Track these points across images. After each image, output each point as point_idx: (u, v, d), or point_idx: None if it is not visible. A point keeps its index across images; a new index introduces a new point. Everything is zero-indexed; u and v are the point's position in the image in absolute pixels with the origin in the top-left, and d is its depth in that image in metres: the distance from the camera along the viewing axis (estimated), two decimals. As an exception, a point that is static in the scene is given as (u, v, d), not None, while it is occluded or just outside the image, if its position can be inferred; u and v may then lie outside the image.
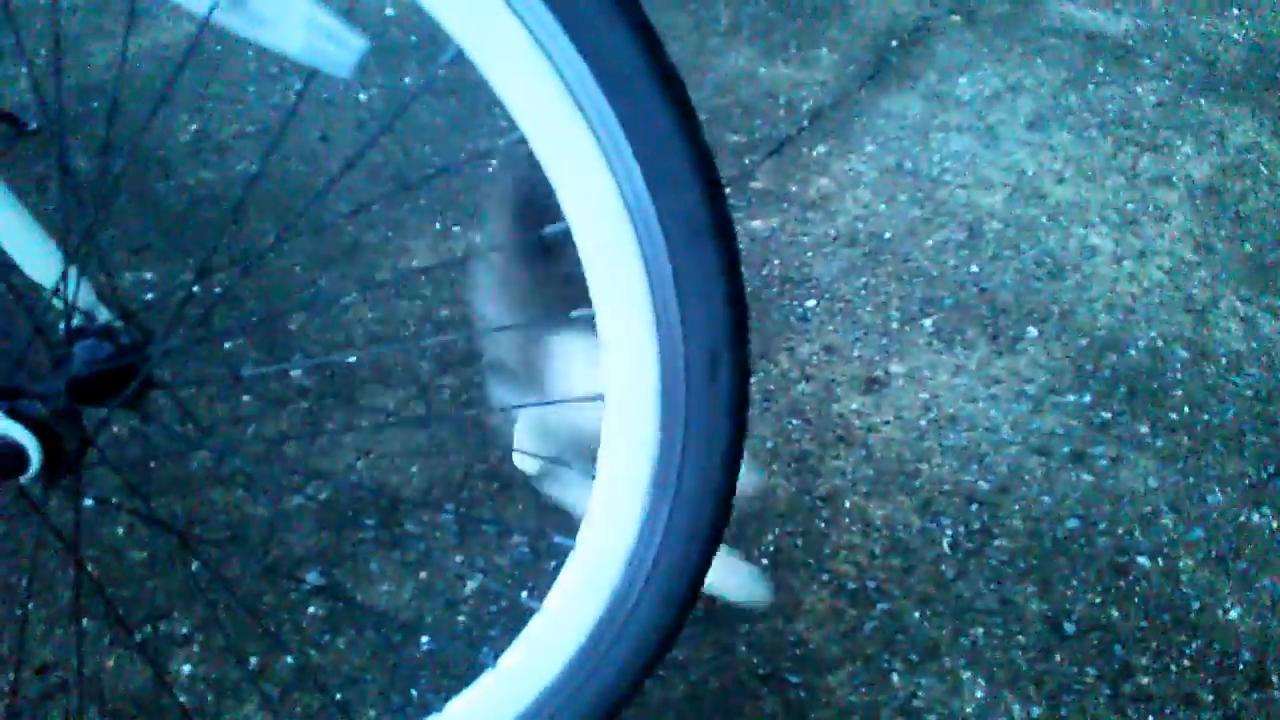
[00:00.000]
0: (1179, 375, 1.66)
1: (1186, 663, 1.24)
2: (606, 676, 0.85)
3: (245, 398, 1.53)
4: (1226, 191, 2.10)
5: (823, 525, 1.39)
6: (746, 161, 2.14)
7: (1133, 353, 1.70)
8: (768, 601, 1.27)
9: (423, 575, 1.30)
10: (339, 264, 1.80)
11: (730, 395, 0.75)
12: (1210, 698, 1.21)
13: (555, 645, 0.85)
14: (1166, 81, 2.46)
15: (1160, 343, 1.72)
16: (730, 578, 1.26)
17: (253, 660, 1.21)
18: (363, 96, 2.28)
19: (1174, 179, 2.14)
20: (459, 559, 1.31)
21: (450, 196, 1.99)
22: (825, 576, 1.33)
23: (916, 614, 1.29)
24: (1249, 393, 1.62)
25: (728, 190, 2.00)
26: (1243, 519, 1.42)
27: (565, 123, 0.67)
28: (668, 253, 0.70)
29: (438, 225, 1.92)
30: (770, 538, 1.37)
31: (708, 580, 1.29)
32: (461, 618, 1.25)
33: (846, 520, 1.40)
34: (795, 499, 1.43)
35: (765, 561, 1.34)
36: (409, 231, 1.90)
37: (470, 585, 1.29)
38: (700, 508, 0.80)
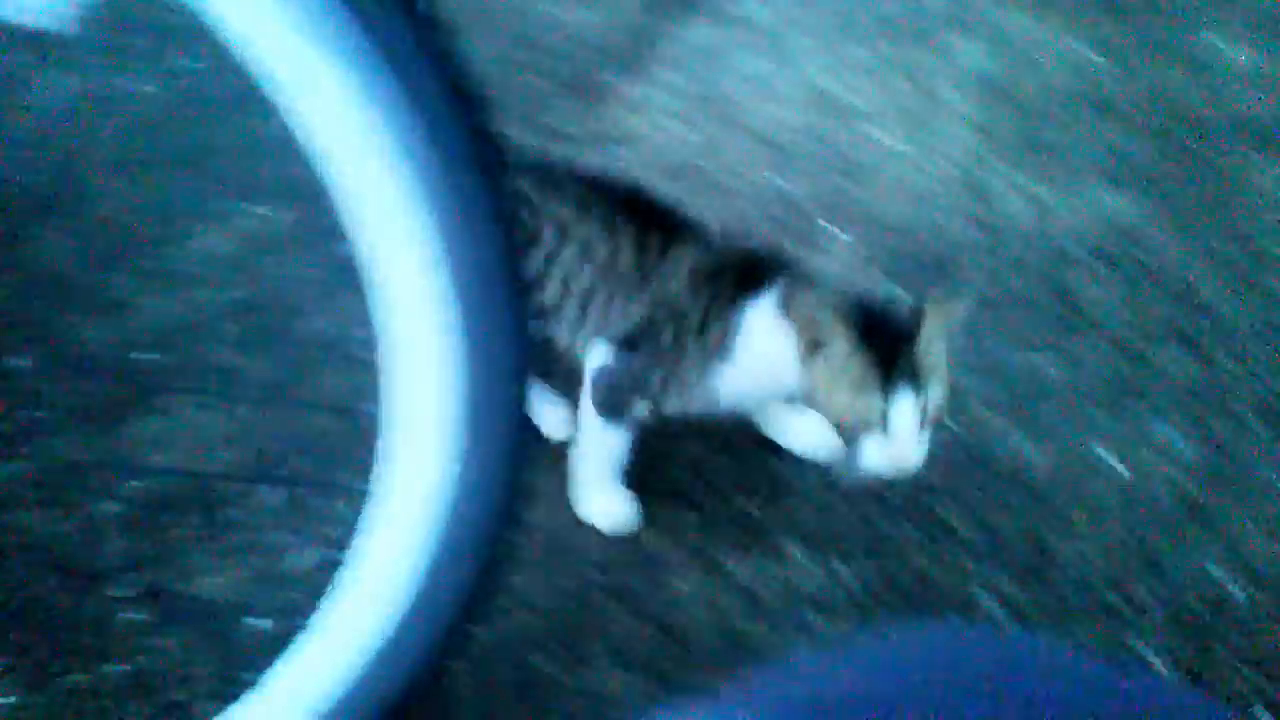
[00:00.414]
0: (974, 253, 1.75)
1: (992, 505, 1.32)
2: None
3: (39, 412, 1.43)
4: (1005, 83, 2.21)
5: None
6: (552, 104, 2.12)
7: (930, 238, 1.78)
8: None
9: (249, 559, 1.25)
10: (120, 260, 1.69)
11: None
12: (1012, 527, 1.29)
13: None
14: (941, -15, 2.56)
15: (955, 226, 1.80)
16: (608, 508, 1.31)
17: (81, 678, 1.15)
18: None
19: (957, 76, 2.23)
20: (285, 535, 1.27)
21: (239, 175, 1.89)
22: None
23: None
24: (1038, 259, 1.72)
25: (535, 132, 1.98)
26: (1038, 374, 1.51)
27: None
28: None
29: (225, 206, 1.83)
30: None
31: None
32: (295, 594, 1.21)
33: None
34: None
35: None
36: (194, 216, 1.80)
37: (299, 558, 1.25)
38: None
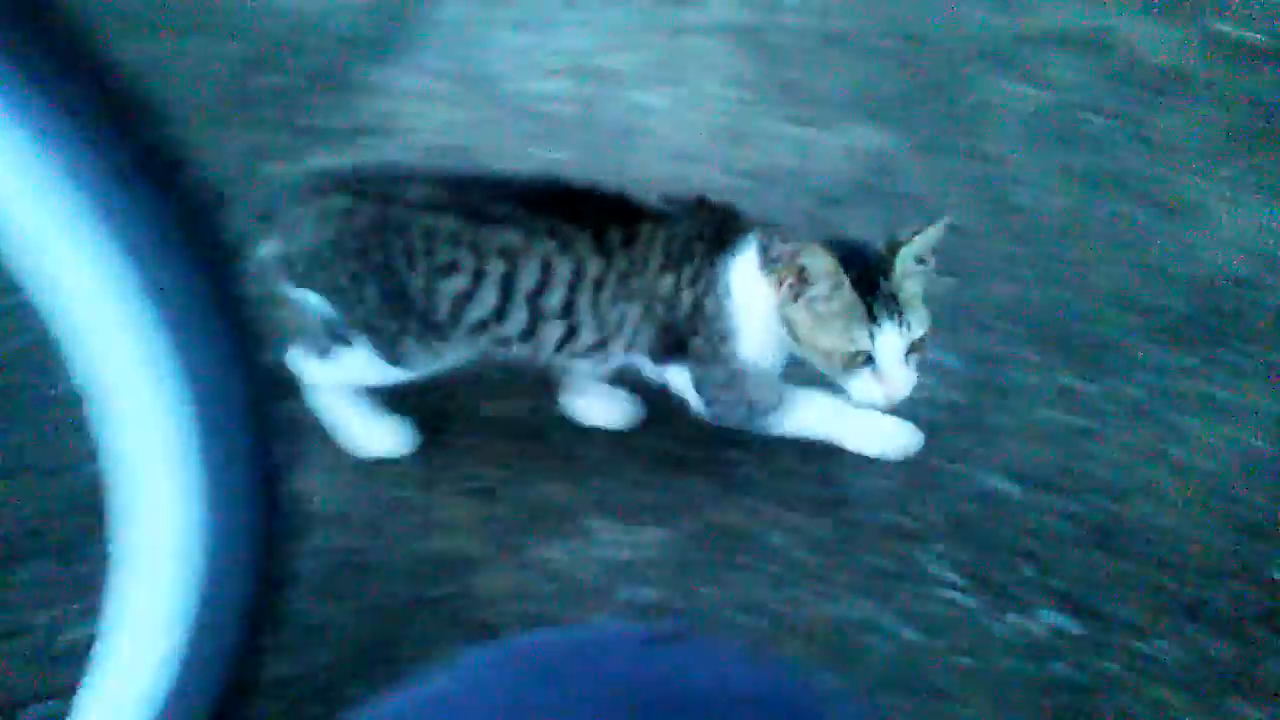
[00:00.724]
0: (747, 200, 1.79)
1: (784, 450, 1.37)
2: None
3: None
4: (757, 30, 2.26)
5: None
6: (305, 102, 2.02)
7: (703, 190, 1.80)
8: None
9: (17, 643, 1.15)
10: None
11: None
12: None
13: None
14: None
15: (724, 177, 1.83)
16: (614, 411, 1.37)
17: None
18: None
19: (711, 28, 2.27)
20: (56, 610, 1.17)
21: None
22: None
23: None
24: (805, 200, 1.78)
25: (292, 134, 1.88)
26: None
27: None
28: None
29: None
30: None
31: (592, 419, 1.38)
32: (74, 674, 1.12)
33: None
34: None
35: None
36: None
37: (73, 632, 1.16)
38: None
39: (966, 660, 1.11)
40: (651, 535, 1.25)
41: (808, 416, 1.26)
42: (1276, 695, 1.05)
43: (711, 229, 1.22)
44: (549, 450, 1.36)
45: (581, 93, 2.07)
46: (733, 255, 1.20)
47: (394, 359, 1.26)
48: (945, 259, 1.64)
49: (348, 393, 1.33)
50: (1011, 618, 1.15)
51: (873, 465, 1.32)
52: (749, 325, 1.20)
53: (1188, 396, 1.42)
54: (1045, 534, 1.23)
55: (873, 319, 1.11)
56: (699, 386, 1.25)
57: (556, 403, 1.37)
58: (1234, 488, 1.29)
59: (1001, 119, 1.99)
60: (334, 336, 1.27)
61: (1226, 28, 2.24)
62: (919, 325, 1.14)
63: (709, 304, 1.20)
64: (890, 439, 1.27)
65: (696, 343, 1.22)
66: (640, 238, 1.21)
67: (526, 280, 1.20)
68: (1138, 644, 1.11)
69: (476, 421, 1.38)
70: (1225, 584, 1.17)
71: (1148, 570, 1.19)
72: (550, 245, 1.19)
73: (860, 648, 1.12)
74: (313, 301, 1.28)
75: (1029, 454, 1.33)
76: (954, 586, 1.18)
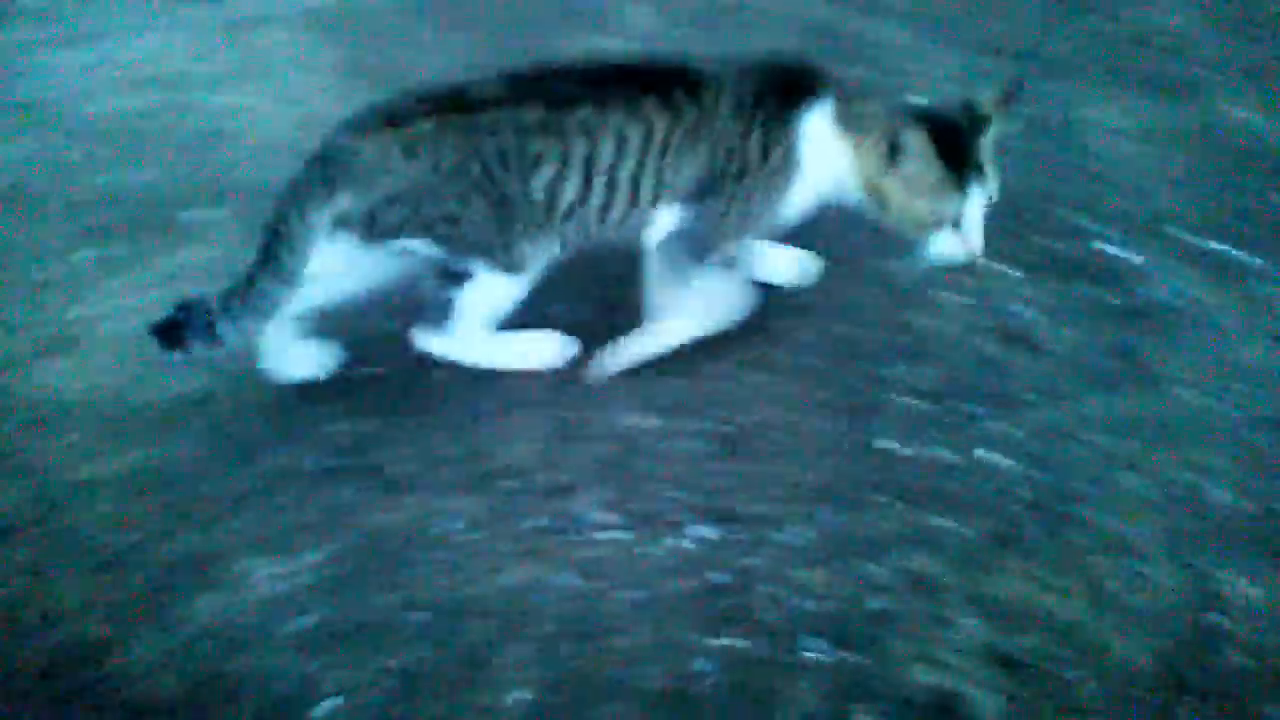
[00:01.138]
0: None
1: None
2: None
3: None
4: (335, 13, 2.18)
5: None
6: None
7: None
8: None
9: None
10: None
11: None
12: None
13: None
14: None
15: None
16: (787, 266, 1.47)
17: None
18: None
19: (288, 19, 2.16)
20: None
21: None
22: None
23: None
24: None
25: None
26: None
27: None
28: None
29: None
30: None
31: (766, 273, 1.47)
32: None
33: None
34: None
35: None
36: None
37: None
38: None
39: (632, 593, 1.17)
40: (309, 559, 1.20)
41: (709, 283, 1.36)
42: (891, 550, 1.20)
43: (783, 83, 1.29)
44: (181, 499, 1.26)
45: (160, 103, 1.92)
46: (809, 109, 1.28)
47: (514, 266, 1.29)
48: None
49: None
50: (667, 541, 1.22)
51: (518, 431, 1.35)
52: (810, 175, 1.30)
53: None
54: (682, 456, 1.32)
55: (963, 189, 1.22)
56: (690, 227, 1.32)
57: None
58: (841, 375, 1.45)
59: None
60: (453, 277, 1.29)
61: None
62: (995, 185, 1.25)
63: (776, 152, 1.28)
64: (799, 267, 1.47)
65: (742, 184, 1.29)
66: (707, 91, 1.28)
67: (605, 154, 1.26)
68: (775, 534, 1.22)
69: (86, 488, 1.26)
70: (838, 463, 1.31)
71: (776, 467, 1.31)
72: (621, 115, 1.25)
73: (535, 608, 1.15)
74: (415, 249, 1.26)
75: (659, 387, 1.41)
76: (610, 527, 1.24)
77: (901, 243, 1.32)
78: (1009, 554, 1.17)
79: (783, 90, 1.29)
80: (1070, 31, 2.04)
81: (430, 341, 1.35)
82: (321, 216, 1.21)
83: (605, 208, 1.30)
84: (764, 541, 1.21)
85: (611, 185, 1.28)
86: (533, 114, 1.24)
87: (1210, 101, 1.83)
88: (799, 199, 1.32)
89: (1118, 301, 1.45)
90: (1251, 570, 1.14)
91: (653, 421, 1.36)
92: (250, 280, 1.24)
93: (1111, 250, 1.50)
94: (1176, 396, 1.33)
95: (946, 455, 1.29)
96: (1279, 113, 1.82)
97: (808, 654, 1.10)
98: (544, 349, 1.38)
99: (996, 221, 1.63)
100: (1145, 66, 1.90)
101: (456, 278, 1.29)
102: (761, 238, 1.39)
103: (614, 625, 1.14)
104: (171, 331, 1.26)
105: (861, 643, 1.11)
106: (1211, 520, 1.20)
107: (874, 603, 1.15)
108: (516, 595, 1.17)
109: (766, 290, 1.47)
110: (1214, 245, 1.54)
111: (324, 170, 1.22)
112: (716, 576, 1.18)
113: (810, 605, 1.15)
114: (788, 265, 1.48)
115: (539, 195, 1.26)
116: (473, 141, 1.22)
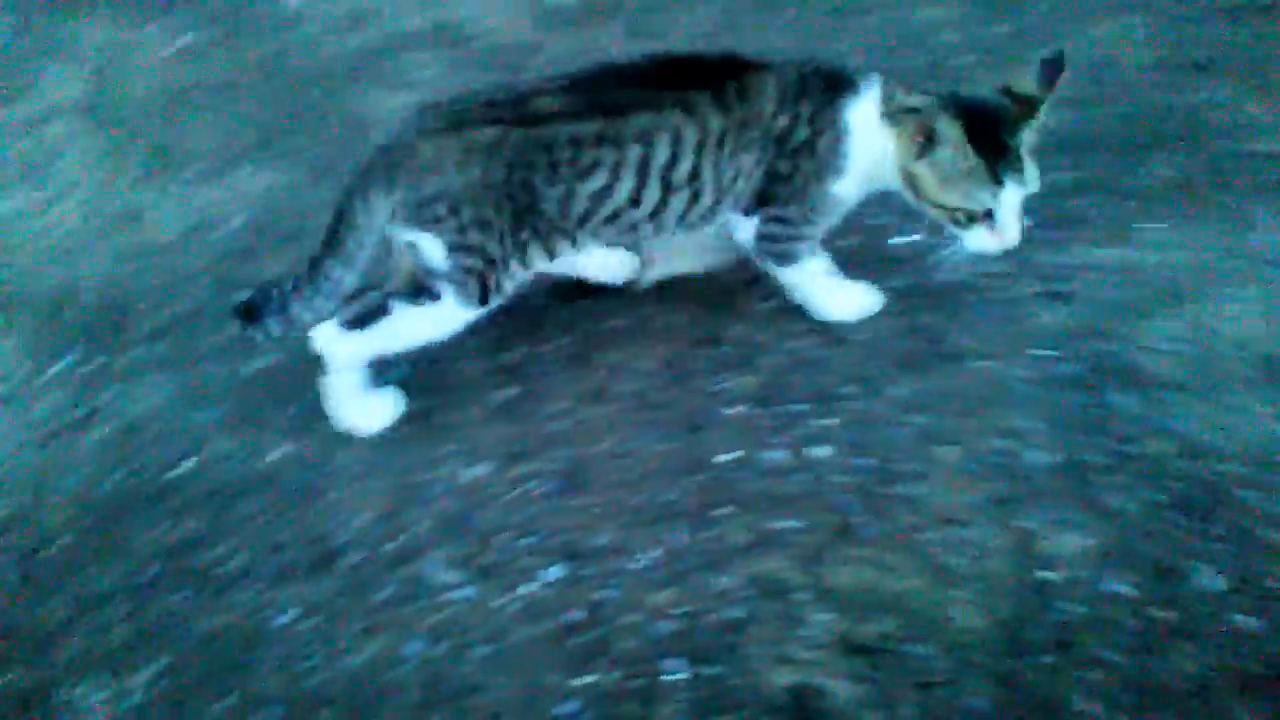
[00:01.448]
0: (153, 277, 1.67)
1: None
2: None
3: None
4: (102, 104, 2.09)
5: None
6: None
7: (94, 290, 1.65)
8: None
9: None
10: None
11: None
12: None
13: None
14: None
15: (116, 265, 1.68)
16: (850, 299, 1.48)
17: None
18: None
19: (53, 113, 2.06)
20: None
21: None
22: None
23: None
24: (215, 260, 1.69)
25: None
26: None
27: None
28: None
29: None
30: None
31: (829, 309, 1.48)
32: None
33: None
34: None
35: None
36: None
37: None
38: None
39: (487, 648, 1.15)
40: (143, 676, 1.15)
41: (813, 268, 1.42)
42: (737, 559, 1.22)
43: (827, 75, 1.31)
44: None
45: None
46: (854, 97, 1.28)
47: (489, 293, 1.31)
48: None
49: (358, 367, 1.37)
50: (519, 590, 1.21)
51: (355, 504, 1.32)
52: (857, 164, 1.30)
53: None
54: (525, 501, 1.31)
55: (997, 180, 1.20)
56: (765, 231, 1.37)
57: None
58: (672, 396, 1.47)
59: (382, 128, 2.01)
60: (420, 291, 1.30)
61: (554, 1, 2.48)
62: (1034, 180, 1.23)
63: (824, 141, 1.29)
64: (858, 302, 1.47)
65: (793, 181, 1.31)
66: (754, 86, 1.29)
67: (660, 157, 1.28)
68: (624, 563, 1.23)
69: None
70: (679, 482, 1.33)
71: (618, 496, 1.31)
72: (677, 115, 1.27)
73: (391, 684, 1.12)
74: (424, 246, 1.28)
75: (495, 436, 1.40)
76: (459, 585, 1.22)
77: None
78: (847, 544, 1.21)
79: (827, 81, 1.31)
80: (847, 35, 2.15)
81: (334, 344, 1.35)
82: (382, 205, 1.26)
83: (661, 208, 1.33)
84: (614, 572, 1.22)
85: (667, 186, 1.31)
86: (591, 126, 1.26)
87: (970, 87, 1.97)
88: (850, 188, 1.35)
89: (910, 284, 1.53)
90: (1070, 521, 1.22)
91: (492, 472, 1.35)
92: (315, 263, 1.28)
93: (898, 239, 1.58)
94: (978, 368, 1.40)
95: (779, 458, 1.33)
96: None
97: (668, 676, 1.10)
98: (865, 300, 1.48)
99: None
100: (915, 62, 2.03)
101: (416, 296, 1.31)
102: (824, 226, 1.41)
103: (474, 684, 1.11)
104: (250, 312, 1.31)
105: (720, 655, 1.12)
106: (1027, 481, 1.26)
107: (728, 613, 1.16)
108: (368, 674, 1.13)
109: (594, 323, 1.49)
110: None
111: (386, 162, 1.26)
112: (571, 616, 1.18)
113: (666, 627, 1.15)
114: (852, 297, 1.49)
115: (579, 205, 1.29)
116: (527, 157, 1.25)
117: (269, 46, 2.25)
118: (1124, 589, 1.16)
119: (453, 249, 1.28)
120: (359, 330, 1.33)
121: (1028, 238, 1.29)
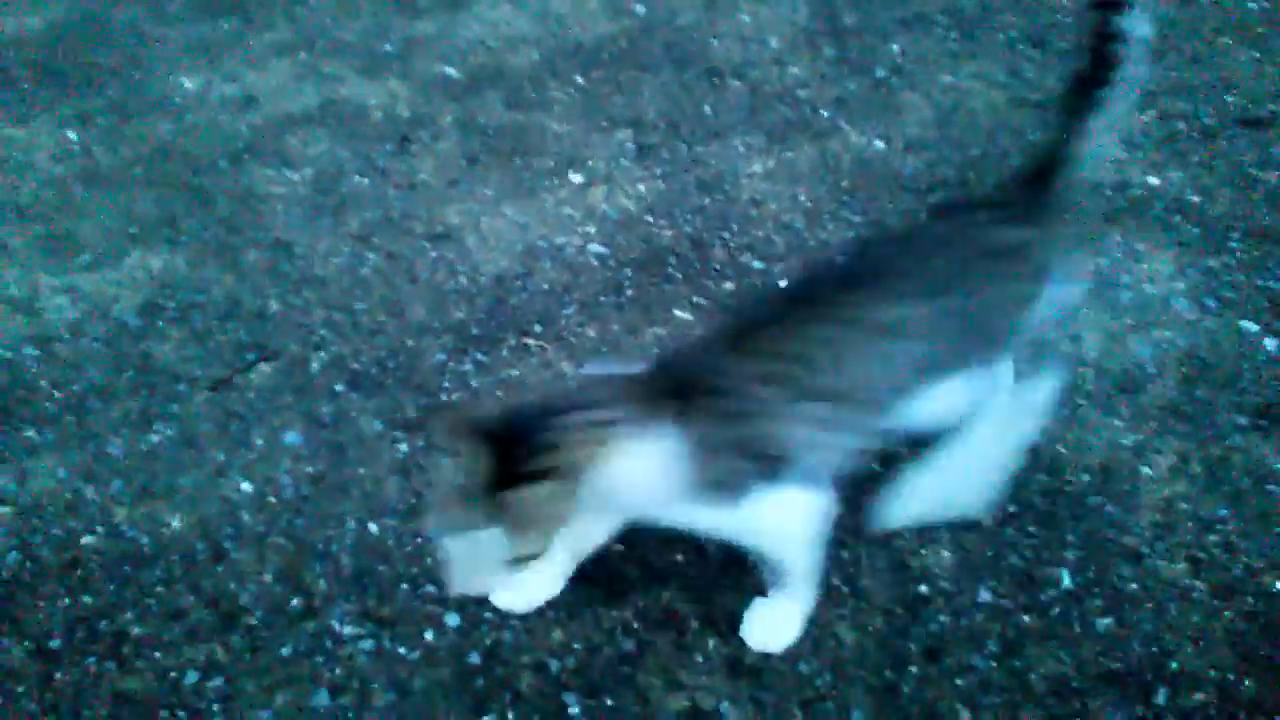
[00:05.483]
0: (39, 373, 1.66)
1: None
2: None
3: None
4: None
5: None
6: None
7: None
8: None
9: None
10: None
11: None
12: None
13: None
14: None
15: (7, 353, 1.67)
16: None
17: None
18: None
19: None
20: None
21: None
22: None
23: None
24: (107, 345, 1.69)
25: None
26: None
27: None
28: None
29: None
30: None
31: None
32: None
33: None
34: None
35: None
36: None
37: None
38: None
39: (390, 696, 1.18)
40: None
41: None
42: (632, 591, 1.27)
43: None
44: None
45: None
46: None
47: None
48: (261, 345, 1.65)
49: None
50: (422, 637, 1.24)
51: (256, 564, 1.33)
52: None
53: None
54: (426, 549, 1.34)
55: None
56: None
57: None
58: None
59: (273, 205, 2.03)
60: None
61: (437, 73, 2.52)
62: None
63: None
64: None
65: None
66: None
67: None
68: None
69: None
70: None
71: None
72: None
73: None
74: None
75: (376, 491, 1.43)
76: (362, 637, 1.24)
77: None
78: (735, 570, 1.26)
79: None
80: (710, 99, 2.25)
81: None
82: None
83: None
84: (510, 614, 1.25)
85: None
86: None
87: (825, 135, 2.08)
88: None
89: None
90: (940, 538, 1.30)
91: (394, 522, 1.38)
92: None
93: (772, 279, 1.68)
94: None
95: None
96: (889, 136, 2.09)
97: (570, 711, 1.15)
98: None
99: (681, 269, 1.77)
100: (774, 115, 2.14)
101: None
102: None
103: (382, 736, 1.14)
104: None
105: (617, 686, 1.17)
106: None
107: (625, 644, 1.21)
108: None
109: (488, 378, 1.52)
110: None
111: None
112: (471, 659, 1.21)
113: (565, 662, 1.20)
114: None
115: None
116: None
117: (159, 132, 2.26)
118: (988, 597, 1.24)
119: None
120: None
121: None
